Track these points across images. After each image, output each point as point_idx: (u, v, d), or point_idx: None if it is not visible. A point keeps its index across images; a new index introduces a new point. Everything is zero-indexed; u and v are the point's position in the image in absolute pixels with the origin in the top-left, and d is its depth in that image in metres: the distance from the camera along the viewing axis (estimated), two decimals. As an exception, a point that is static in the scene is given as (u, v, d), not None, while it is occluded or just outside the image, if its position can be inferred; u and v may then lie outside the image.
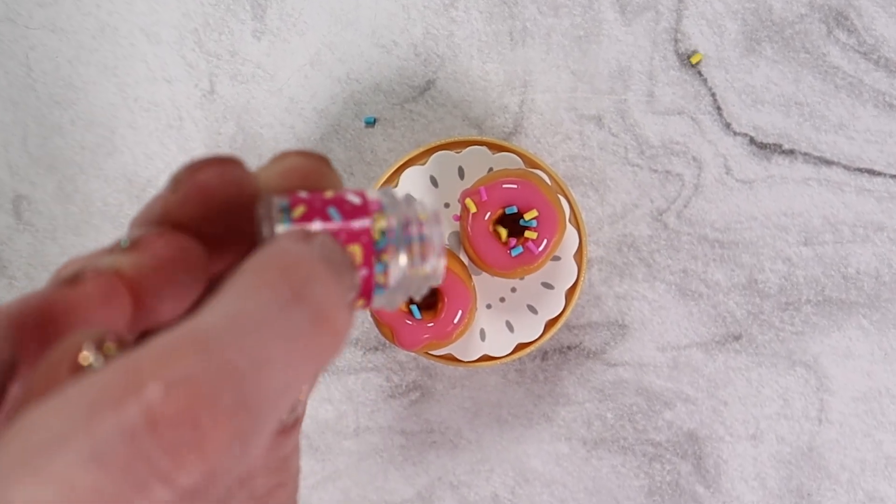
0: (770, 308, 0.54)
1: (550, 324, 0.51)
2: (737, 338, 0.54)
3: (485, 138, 0.51)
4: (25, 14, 0.54)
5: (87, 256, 0.21)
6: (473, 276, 0.50)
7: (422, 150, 0.51)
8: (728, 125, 0.54)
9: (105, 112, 0.54)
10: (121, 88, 0.54)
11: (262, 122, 0.54)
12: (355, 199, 0.21)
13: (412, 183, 0.50)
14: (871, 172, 0.54)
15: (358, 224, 0.21)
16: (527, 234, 0.47)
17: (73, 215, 0.55)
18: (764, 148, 0.54)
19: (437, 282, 0.22)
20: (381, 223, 0.21)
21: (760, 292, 0.54)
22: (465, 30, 0.54)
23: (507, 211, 0.48)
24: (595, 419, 0.55)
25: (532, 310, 0.51)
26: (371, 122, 0.54)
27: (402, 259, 0.21)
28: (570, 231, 0.50)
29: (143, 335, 0.21)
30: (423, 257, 0.22)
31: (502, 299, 0.51)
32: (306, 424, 0.55)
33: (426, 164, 0.50)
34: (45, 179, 0.55)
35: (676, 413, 0.55)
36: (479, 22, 0.54)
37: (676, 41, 0.54)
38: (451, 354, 0.51)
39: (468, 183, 0.50)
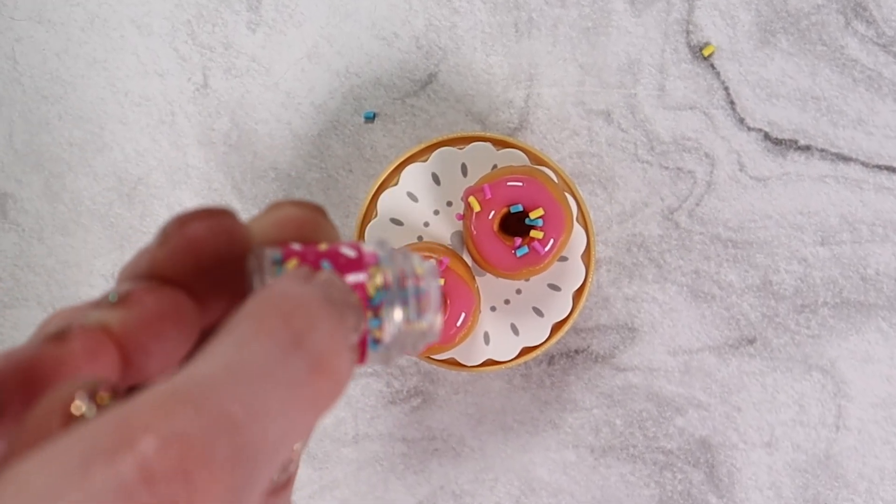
0: (785, 310, 0.54)
1: (557, 327, 0.51)
2: (751, 341, 0.54)
3: (489, 134, 0.51)
4: (10, 4, 0.54)
5: (73, 310, 0.21)
6: (477, 278, 0.50)
7: (423, 146, 0.51)
8: (742, 120, 0.54)
9: (94, 107, 0.54)
10: (110, 82, 0.54)
11: (258, 118, 0.54)
12: (350, 253, 0.22)
13: (413, 180, 0.50)
14: (891, 169, 0.54)
15: (352, 278, 0.21)
16: (532, 233, 0.47)
17: (60, 214, 0.55)
18: (779, 144, 0.54)
19: (434, 338, 0.22)
20: (377, 277, 0.21)
21: (775, 294, 0.54)
22: (469, 21, 0.54)
23: (512, 209, 0.47)
24: (603, 426, 0.55)
25: (538, 312, 0.51)
26: (371, 118, 0.54)
27: (398, 314, 0.22)
28: (578, 230, 0.50)
29: (131, 390, 0.21)
30: (420, 313, 0.22)
31: (507, 301, 0.51)
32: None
33: (428, 161, 0.50)
34: (32, 177, 0.54)
35: (688, 419, 0.54)
36: (482, 13, 0.54)
37: (688, 33, 0.54)
38: (453, 359, 0.51)
39: (472, 180, 0.50)
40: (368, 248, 0.22)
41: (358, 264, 0.21)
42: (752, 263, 0.54)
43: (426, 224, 0.50)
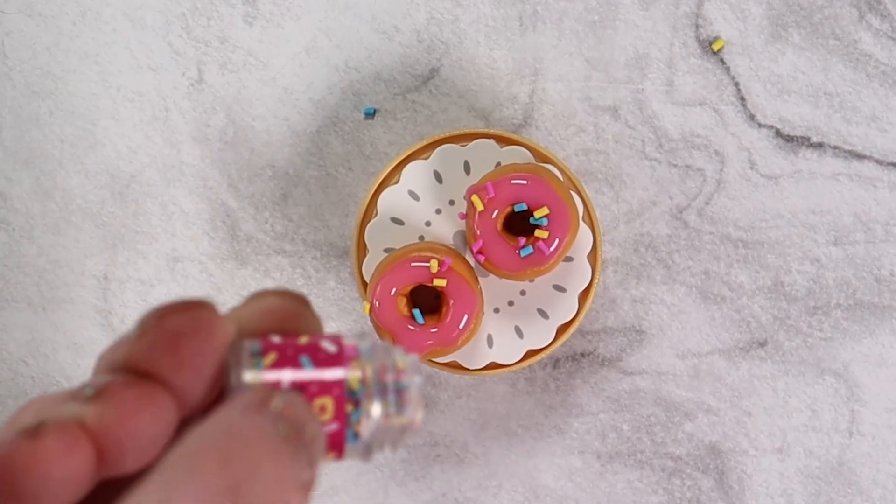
0: (797, 312, 0.54)
1: (562, 329, 0.51)
2: (762, 344, 0.54)
3: (492, 131, 0.51)
4: (0, -3, 0.54)
5: (48, 400, 0.21)
6: (480, 279, 0.50)
7: (425, 143, 0.50)
8: (752, 117, 0.54)
9: (86, 103, 0.54)
10: (103, 77, 0.54)
11: (255, 114, 0.54)
12: (330, 347, 0.22)
13: (415, 178, 0.50)
14: (906, 167, 0.54)
15: (331, 374, 0.22)
16: (537, 233, 0.47)
17: (51, 213, 0.54)
18: (791, 141, 0.54)
19: (415, 434, 0.23)
20: (357, 372, 0.22)
21: (787, 295, 0.54)
22: (472, 14, 0.53)
23: (517, 208, 0.47)
24: (610, 431, 0.54)
25: (543, 314, 0.50)
26: (371, 114, 0.54)
27: (377, 410, 0.22)
28: (584, 230, 0.50)
29: (105, 483, 0.21)
30: (400, 408, 0.22)
31: (511, 303, 0.51)
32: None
33: (430, 159, 0.50)
34: (22, 175, 0.54)
35: (697, 425, 0.54)
36: (486, 6, 0.53)
37: (697, 26, 0.53)
38: (456, 362, 0.51)
39: (474, 178, 0.50)
40: (350, 340, 0.22)
41: (338, 359, 0.22)
42: (763, 264, 0.54)
43: (428, 223, 0.50)
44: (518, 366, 0.50)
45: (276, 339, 0.22)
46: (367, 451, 0.22)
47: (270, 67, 0.54)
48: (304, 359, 0.21)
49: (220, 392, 0.22)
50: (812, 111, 0.53)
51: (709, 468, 0.54)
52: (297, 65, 0.54)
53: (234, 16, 0.54)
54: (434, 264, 0.47)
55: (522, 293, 0.50)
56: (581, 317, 0.50)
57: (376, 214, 0.50)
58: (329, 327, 0.54)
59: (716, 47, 0.53)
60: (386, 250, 0.50)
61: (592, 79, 0.54)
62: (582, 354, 0.54)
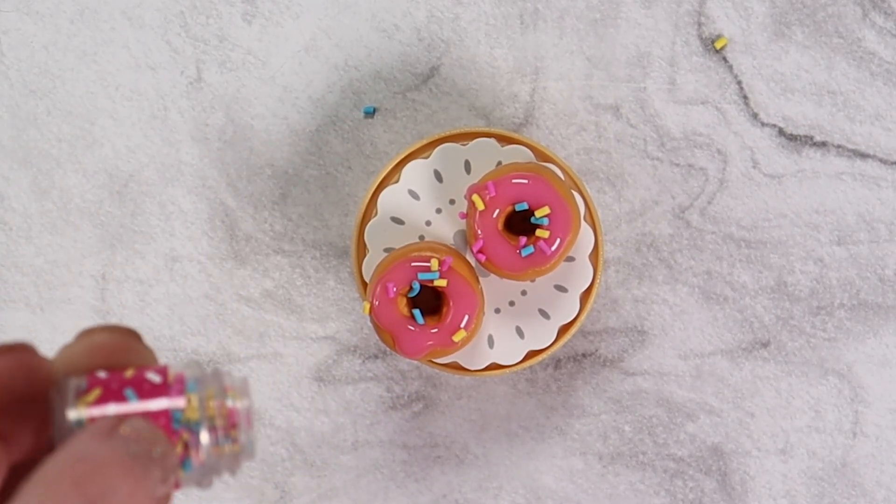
0: (800, 312, 0.54)
1: (564, 330, 0.50)
2: (765, 345, 0.54)
3: (493, 130, 0.51)
4: (-3, -5, 0.54)
5: None
6: (481, 279, 0.50)
7: (425, 142, 0.50)
8: (755, 115, 0.54)
9: (84, 101, 0.54)
10: (101, 76, 0.54)
11: (254, 113, 0.54)
12: (155, 378, 0.22)
13: (415, 178, 0.50)
14: (910, 166, 0.54)
15: (155, 405, 0.22)
16: (538, 232, 0.47)
17: (49, 213, 0.54)
18: (794, 140, 0.54)
19: (250, 457, 0.23)
20: (180, 401, 0.22)
21: (790, 295, 0.54)
22: (472, 12, 0.53)
23: (518, 208, 0.47)
24: (612, 432, 0.54)
25: (544, 314, 0.50)
26: (371, 113, 0.54)
27: (205, 437, 0.22)
28: (585, 230, 0.50)
29: None
30: (229, 434, 0.23)
31: (512, 303, 0.50)
32: (302, 438, 0.54)
33: (430, 158, 0.50)
34: (20, 174, 0.54)
35: (700, 426, 0.54)
36: (486, 4, 0.53)
37: (700, 25, 0.53)
38: (456, 363, 0.50)
39: (475, 178, 0.50)
40: (177, 370, 0.23)
41: (163, 389, 0.22)
42: (765, 264, 0.54)
43: (428, 223, 0.50)
44: (519, 366, 0.50)
45: (102, 374, 0.22)
46: (202, 478, 0.22)
47: (269, 66, 0.54)
48: (128, 391, 0.22)
49: (49, 436, 0.22)
50: (815, 110, 0.53)
51: (711, 470, 0.54)
52: (297, 63, 0.54)
53: (232, 14, 0.53)
54: (434, 264, 0.46)
55: (523, 293, 0.50)
56: (582, 317, 0.50)
57: (376, 214, 0.50)
58: (328, 327, 0.54)
59: (718, 45, 0.53)
60: (386, 250, 0.49)
61: (594, 77, 0.53)
62: (583, 355, 0.54)
